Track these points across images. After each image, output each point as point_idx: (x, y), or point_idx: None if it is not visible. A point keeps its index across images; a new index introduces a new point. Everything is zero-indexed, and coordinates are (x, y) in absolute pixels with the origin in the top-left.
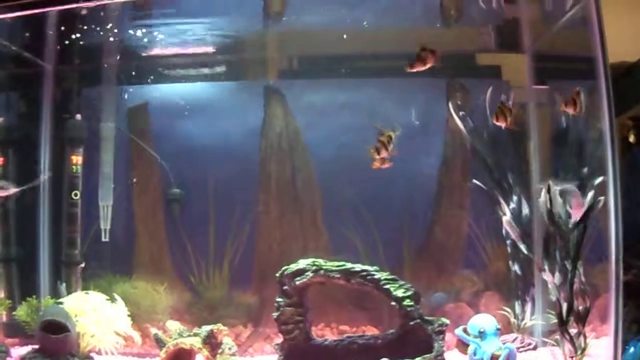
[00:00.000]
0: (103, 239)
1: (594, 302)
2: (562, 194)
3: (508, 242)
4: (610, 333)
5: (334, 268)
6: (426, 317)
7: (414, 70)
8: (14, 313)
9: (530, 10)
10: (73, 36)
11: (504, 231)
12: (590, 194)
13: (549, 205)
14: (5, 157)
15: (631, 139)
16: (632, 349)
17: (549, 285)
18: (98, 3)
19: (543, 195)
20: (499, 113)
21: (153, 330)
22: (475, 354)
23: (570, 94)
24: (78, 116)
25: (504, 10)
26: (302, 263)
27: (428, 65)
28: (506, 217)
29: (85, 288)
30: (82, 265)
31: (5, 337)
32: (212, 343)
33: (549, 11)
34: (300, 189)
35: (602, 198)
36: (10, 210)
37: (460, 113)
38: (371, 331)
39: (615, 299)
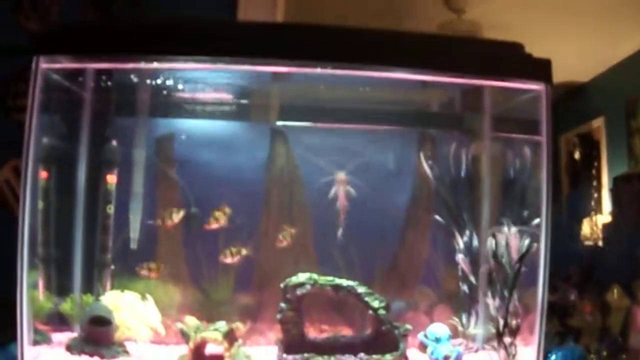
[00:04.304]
0: (131, 247)
1: (525, 319)
2: (507, 236)
3: (459, 267)
4: (534, 343)
5: (326, 282)
6: (394, 323)
7: (210, 228)
8: (59, 307)
9: (490, 84)
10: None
11: (456, 258)
12: (527, 241)
13: (494, 248)
14: (49, 172)
15: (576, 155)
16: (553, 357)
17: (490, 307)
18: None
19: (489, 241)
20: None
21: (179, 325)
22: (432, 353)
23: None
24: (114, 142)
25: (469, 79)
26: (301, 277)
27: (221, 224)
28: (462, 257)
29: (112, 285)
30: (112, 267)
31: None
32: (230, 338)
33: (506, 87)
34: (295, 215)
35: (535, 244)
36: (51, 218)
37: (429, 162)
38: (346, 331)
39: (540, 317)
